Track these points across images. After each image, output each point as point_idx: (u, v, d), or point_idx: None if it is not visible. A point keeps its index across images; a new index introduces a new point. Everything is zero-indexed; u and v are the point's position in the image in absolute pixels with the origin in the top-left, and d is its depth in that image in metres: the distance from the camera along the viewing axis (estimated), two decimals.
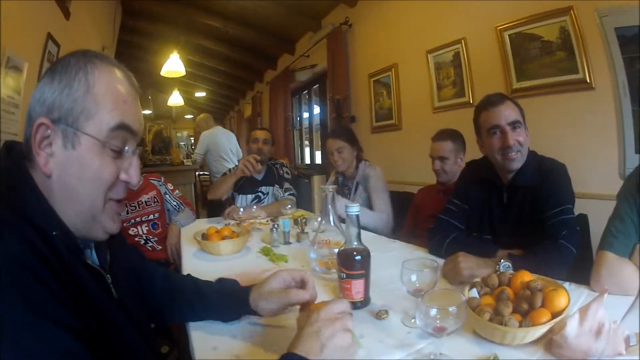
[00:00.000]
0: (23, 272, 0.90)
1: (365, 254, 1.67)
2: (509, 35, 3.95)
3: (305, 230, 3.00)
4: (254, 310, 1.52)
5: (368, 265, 1.67)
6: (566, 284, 1.64)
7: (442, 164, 3.45)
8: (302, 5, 7.64)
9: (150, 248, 3.56)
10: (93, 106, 1.10)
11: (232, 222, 3.56)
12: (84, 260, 1.16)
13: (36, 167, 1.10)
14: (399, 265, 1.50)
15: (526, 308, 1.32)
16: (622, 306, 1.48)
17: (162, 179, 3.94)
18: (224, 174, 4.42)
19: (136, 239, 3.52)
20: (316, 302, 1.36)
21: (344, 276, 1.65)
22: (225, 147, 7.90)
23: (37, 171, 1.10)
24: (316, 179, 7.68)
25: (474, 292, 1.48)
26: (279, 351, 1.10)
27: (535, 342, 1.27)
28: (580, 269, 1.95)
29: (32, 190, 1.09)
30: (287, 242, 2.91)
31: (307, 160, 10.43)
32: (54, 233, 1.04)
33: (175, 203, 3.84)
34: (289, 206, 3.60)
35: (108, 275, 1.27)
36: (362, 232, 1.81)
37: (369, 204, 3.75)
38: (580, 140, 3.49)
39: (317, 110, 9.54)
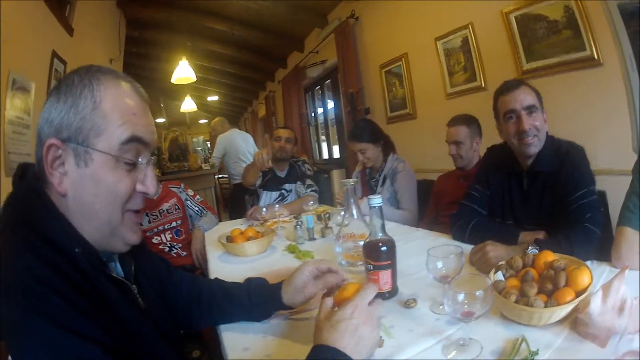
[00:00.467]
0: (47, 292, 0.92)
1: (391, 245, 1.68)
2: (515, 17, 3.93)
3: (329, 225, 3.01)
4: (287, 305, 1.54)
5: (394, 255, 1.69)
6: (588, 262, 1.64)
7: (458, 148, 3.44)
8: (306, 3, 7.63)
9: (175, 255, 3.57)
10: (102, 122, 1.10)
11: (256, 222, 3.58)
12: (109, 273, 1.17)
13: (51, 187, 1.11)
14: (423, 254, 1.51)
15: (551, 288, 1.34)
16: None
17: (182, 185, 3.95)
18: None
19: (160, 247, 3.53)
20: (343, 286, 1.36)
21: (371, 268, 1.67)
22: (242, 148, 7.89)
23: (53, 191, 1.12)
24: (335, 174, 7.69)
25: (500, 275, 1.50)
26: (310, 345, 1.13)
27: (561, 321, 1.28)
28: (601, 245, 1.95)
29: (49, 210, 1.10)
30: (311, 238, 2.93)
31: (325, 155, 10.40)
32: (77, 250, 1.06)
33: (197, 208, 3.86)
34: (311, 202, 3.62)
35: (134, 286, 1.29)
36: (386, 222, 1.81)
37: (395, 199, 3.75)
38: (593, 117, 3.47)
39: (331, 104, 9.53)
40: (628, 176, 1.86)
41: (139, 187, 1.19)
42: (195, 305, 1.66)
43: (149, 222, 3.50)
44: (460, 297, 1.16)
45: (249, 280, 1.69)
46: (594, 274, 1.37)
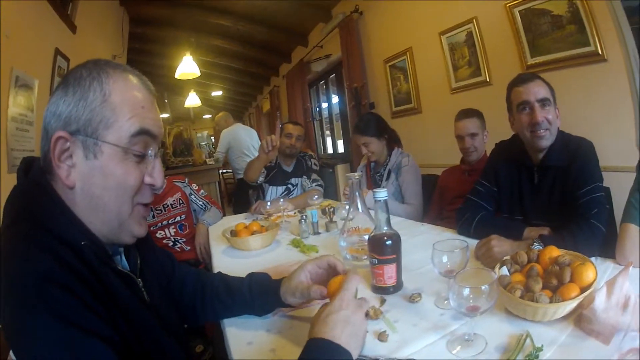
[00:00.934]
0: (52, 286, 0.92)
1: (396, 239, 1.68)
2: (519, 11, 3.92)
3: (334, 219, 3.01)
4: (286, 303, 1.53)
5: (399, 250, 1.69)
6: (592, 258, 1.63)
7: (473, 140, 3.43)
8: None
9: (179, 249, 3.58)
10: (111, 115, 1.10)
11: (260, 216, 3.59)
12: (115, 267, 1.17)
13: (57, 181, 1.11)
14: (428, 248, 1.51)
15: (555, 283, 1.34)
16: None
17: (186, 180, 3.95)
18: None
19: (164, 241, 3.55)
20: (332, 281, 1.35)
21: (376, 262, 1.67)
22: (246, 143, 7.90)
23: (59, 184, 1.12)
24: (340, 168, 7.69)
25: (504, 270, 1.49)
26: None
27: (566, 317, 1.28)
28: (606, 242, 1.95)
29: (56, 203, 1.10)
30: (316, 233, 2.93)
31: (330, 150, 10.41)
32: (83, 243, 1.06)
33: (201, 203, 3.86)
34: (316, 197, 3.60)
35: (139, 280, 1.29)
36: (391, 216, 1.81)
37: (400, 194, 3.74)
38: (597, 113, 3.46)
39: (335, 99, 9.50)
40: (632, 173, 1.86)
41: (147, 180, 1.20)
42: (199, 300, 1.66)
43: (153, 217, 3.50)
44: (466, 291, 1.16)
45: (251, 275, 1.69)
46: (598, 271, 1.37)
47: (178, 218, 3.64)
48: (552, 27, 3.66)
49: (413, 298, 1.60)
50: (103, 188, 1.12)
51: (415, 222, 3.10)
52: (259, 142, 7.85)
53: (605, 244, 1.92)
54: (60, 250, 1.00)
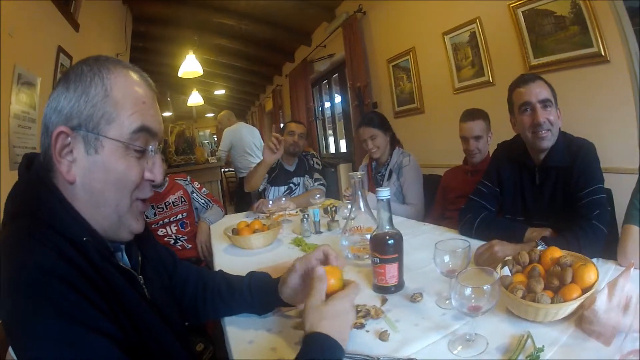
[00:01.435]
0: (54, 282, 0.92)
1: (398, 238, 1.67)
2: (522, 12, 3.92)
3: (336, 219, 3.01)
4: (285, 301, 1.53)
5: (401, 249, 1.69)
6: (594, 259, 1.63)
7: (477, 143, 3.42)
8: None
9: (180, 247, 3.57)
10: (113, 110, 1.11)
11: (262, 215, 3.59)
12: (116, 263, 1.18)
13: (58, 176, 1.12)
14: (430, 248, 1.51)
15: (557, 284, 1.34)
16: None
17: (188, 178, 3.95)
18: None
19: (165, 239, 3.54)
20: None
21: (378, 261, 1.67)
22: (249, 142, 7.90)
23: (60, 180, 1.12)
24: (342, 167, 7.70)
25: (506, 271, 1.50)
26: None
27: (567, 318, 1.28)
28: (607, 243, 1.96)
29: (57, 199, 1.10)
30: (318, 232, 2.93)
31: (332, 150, 10.42)
32: (84, 239, 1.06)
33: (203, 201, 3.87)
34: (318, 196, 3.60)
35: (140, 277, 1.30)
36: (393, 216, 1.80)
37: (401, 194, 3.74)
38: (599, 114, 3.46)
39: (338, 99, 9.53)
40: (634, 174, 1.86)
41: (147, 175, 1.20)
42: (200, 298, 1.66)
43: (155, 215, 3.50)
44: (468, 291, 1.16)
45: (251, 274, 1.69)
46: (599, 272, 1.37)
47: (180, 216, 3.64)
48: (556, 28, 3.66)
49: (414, 298, 1.60)
50: (104, 183, 1.12)
51: (417, 221, 3.10)
52: (262, 141, 7.89)
53: (607, 245, 1.93)
54: (63, 245, 1.00)
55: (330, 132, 10.49)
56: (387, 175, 3.81)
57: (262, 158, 3.89)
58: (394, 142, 3.93)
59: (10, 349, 1.39)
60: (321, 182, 4.34)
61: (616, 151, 3.22)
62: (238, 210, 5.73)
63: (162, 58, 11.93)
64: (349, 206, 2.27)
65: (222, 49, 10.94)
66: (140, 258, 1.36)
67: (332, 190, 5.06)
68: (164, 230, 3.55)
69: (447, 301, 1.48)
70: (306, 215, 2.92)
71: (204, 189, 3.98)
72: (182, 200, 3.70)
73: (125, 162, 1.13)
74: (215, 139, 19.79)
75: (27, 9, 3.75)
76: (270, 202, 3.52)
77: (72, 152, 1.10)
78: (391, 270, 1.66)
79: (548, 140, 2.26)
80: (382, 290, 1.70)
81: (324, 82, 10.07)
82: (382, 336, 1.33)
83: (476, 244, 1.99)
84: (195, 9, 8.24)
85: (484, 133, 3.41)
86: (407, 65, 6.05)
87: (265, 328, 1.55)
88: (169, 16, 8.70)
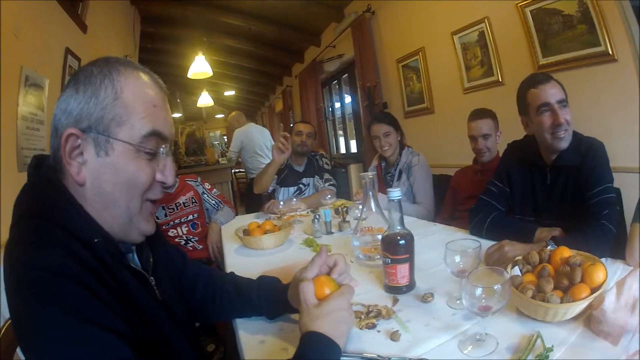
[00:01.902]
0: (64, 280, 0.93)
1: (409, 238, 1.68)
2: (530, 11, 3.92)
3: (347, 219, 3.01)
4: (295, 307, 1.47)
5: (412, 249, 1.69)
6: (603, 259, 1.63)
7: (485, 141, 3.42)
8: None
9: (191, 248, 3.58)
10: (124, 112, 1.11)
11: (273, 216, 3.60)
12: (127, 264, 1.19)
13: (68, 178, 1.12)
14: (441, 248, 1.52)
15: (566, 284, 1.34)
16: None
17: (199, 179, 3.96)
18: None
19: (176, 239, 3.54)
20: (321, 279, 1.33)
21: (389, 261, 1.67)
22: (259, 142, 7.89)
23: (70, 181, 1.12)
24: (353, 168, 7.69)
25: (516, 271, 1.50)
26: None
27: (576, 318, 1.29)
28: (616, 242, 1.96)
29: (68, 200, 1.10)
30: (329, 232, 2.94)
31: (343, 150, 10.40)
32: (96, 240, 1.07)
33: (213, 202, 3.87)
34: (329, 196, 3.60)
35: (152, 278, 1.31)
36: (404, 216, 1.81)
37: (411, 193, 3.75)
38: (607, 113, 3.46)
39: (348, 99, 9.52)
40: None
41: (159, 177, 1.20)
42: (210, 299, 1.67)
43: (166, 216, 3.51)
44: (478, 291, 1.17)
45: (260, 280, 1.69)
46: (608, 272, 1.37)
47: (190, 217, 3.65)
48: (563, 27, 3.66)
49: (425, 298, 1.61)
50: (114, 184, 1.13)
51: (428, 221, 3.10)
52: (272, 142, 7.87)
53: (616, 245, 1.93)
54: (73, 245, 1.01)
55: (340, 132, 10.47)
56: (396, 175, 3.82)
57: (272, 158, 3.90)
58: (403, 143, 3.93)
59: (18, 349, 1.43)
60: (331, 182, 4.35)
61: (624, 150, 3.22)
62: (249, 211, 5.72)
63: (171, 59, 11.97)
64: (360, 206, 2.27)
65: (231, 50, 10.94)
66: (151, 259, 1.37)
67: (343, 191, 5.06)
68: (175, 231, 3.56)
69: (458, 301, 1.49)
70: (317, 216, 2.92)
71: (214, 189, 3.99)
72: (193, 201, 3.70)
73: (136, 164, 1.14)
74: (226, 139, 19.81)
75: (33, 10, 3.78)
76: (281, 203, 3.53)
77: (82, 154, 1.10)
78: (402, 270, 1.67)
79: (566, 140, 2.25)
80: (394, 290, 1.71)
81: (334, 82, 10.07)
82: (393, 336, 1.34)
83: (486, 244, 2.00)
84: (203, 9, 8.26)
85: (492, 132, 3.41)
86: (416, 65, 6.05)
87: (277, 328, 1.56)
88: (177, 17, 8.72)
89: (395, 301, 1.63)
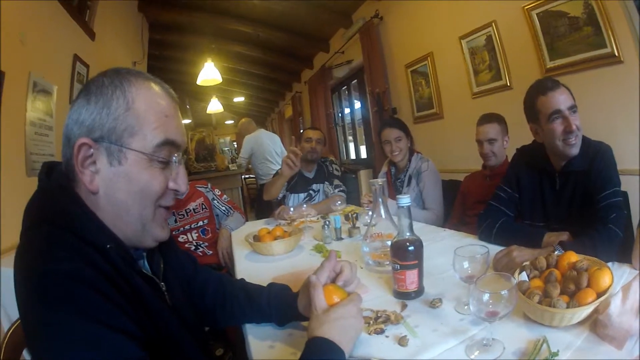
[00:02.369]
0: (78, 285, 0.94)
1: (418, 244, 1.69)
2: (536, 14, 3.93)
3: (357, 225, 3.02)
4: (304, 315, 1.48)
5: (421, 255, 1.70)
6: (609, 263, 1.63)
7: (491, 146, 3.43)
8: (329, 3, 7.62)
9: (201, 253, 3.59)
10: (136, 123, 1.12)
11: (283, 222, 3.61)
12: (139, 269, 1.21)
13: (81, 186, 1.14)
14: (450, 254, 1.53)
15: (573, 289, 1.35)
16: None
17: (209, 185, 3.97)
18: (276, 173, 4.42)
19: (186, 245, 3.56)
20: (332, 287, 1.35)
21: (398, 267, 1.68)
22: (269, 149, 7.92)
23: (82, 189, 1.14)
24: (362, 174, 7.69)
25: (524, 276, 1.51)
26: None
27: (582, 323, 1.29)
28: (622, 246, 1.95)
29: (80, 208, 1.12)
30: (339, 238, 2.94)
31: (353, 156, 10.39)
32: (108, 246, 1.09)
33: (224, 208, 3.88)
34: (339, 202, 3.60)
35: (162, 283, 1.33)
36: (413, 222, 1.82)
37: (421, 199, 3.75)
38: (613, 115, 3.46)
39: (357, 105, 9.53)
40: None
41: (171, 185, 1.22)
42: (220, 305, 1.68)
43: (176, 222, 3.53)
44: (485, 296, 1.18)
45: (270, 287, 1.69)
46: (614, 276, 1.38)
47: (200, 223, 3.67)
48: (570, 29, 3.67)
49: (434, 303, 1.61)
50: (127, 193, 1.14)
51: (437, 227, 3.10)
52: (282, 148, 7.90)
53: (623, 248, 1.92)
54: (86, 250, 1.02)
55: (350, 138, 10.46)
56: (406, 181, 3.83)
57: (281, 172, 3.90)
58: (412, 148, 3.93)
59: (24, 352, 1.45)
60: (341, 188, 4.35)
61: (630, 152, 3.22)
62: (259, 217, 5.74)
63: (180, 65, 12.03)
64: (370, 212, 2.28)
65: (240, 56, 10.98)
66: (162, 265, 1.39)
67: (353, 197, 5.06)
68: (185, 237, 3.58)
69: (466, 307, 1.50)
70: (327, 222, 2.93)
71: (224, 196, 4.00)
72: (203, 207, 3.72)
73: (149, 172, 1.15)
74: (235, 145, 19.85)
75: (41, 17, 3.84)
76: (292, 209, 3.54)
77: (95, 163, 1.12)
78: (411, 276, 1.68)
79: (577, 146, 2.25)
80: (402, 296, 1.72)
81: (343, 88, 10.07)
82: (402, 341, 1.35)
83: (494, 249, 1.99)
84: (211, 16, 8.30)
85: (498, 136, 3.42)
86: (425, 70, 6.06)
87: (286, 333, 1.57)
88: (185, 24, 8.79)
89: (404, 306, 1.64)
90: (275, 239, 2.76)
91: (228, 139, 22.03)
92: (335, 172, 4.48)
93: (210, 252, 3.65)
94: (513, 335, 1.30)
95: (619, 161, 2.25)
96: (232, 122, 20.60)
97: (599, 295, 1.29)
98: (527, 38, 4.11)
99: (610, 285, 1.32)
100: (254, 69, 12.21)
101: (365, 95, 8.21)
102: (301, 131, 5.40)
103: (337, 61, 8.95)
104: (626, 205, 2.44)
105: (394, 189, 3.95)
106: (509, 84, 4.55)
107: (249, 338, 1.58)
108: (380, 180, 2.19)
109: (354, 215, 3.08)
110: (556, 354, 1.14)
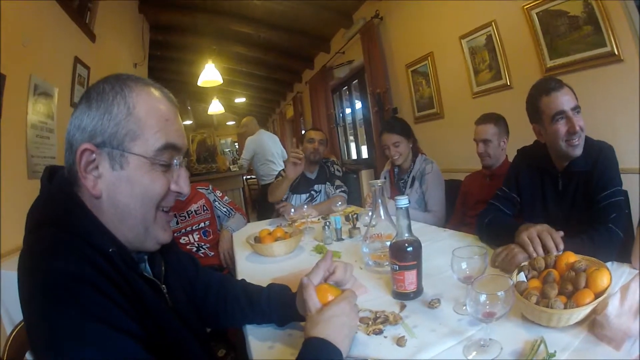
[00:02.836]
0: (81, 286, 0.95)
1: (417, 245, 1.69)
2: (536, 13, 3.93)
3: (357, 226, 3.02)
4: (303, 315, 1.47)
5: (419, 256, 1.70)
6: (608, 263, 1.64)
7: (486, 146, 3.44)
8: (329, 3, 7.62)
9: (202, 255, 3.60)
10: (137, 128, 1.14)
11: (284, 222, 3.63)
12: (141, 272, 1.22)
13: (84, 191, 1.15)
14: (449, 254, 1.53)
15: (571, 289, 1.35)
16: None
17: (210, 186, 3.98)
18: (278, 174, 4.47)
19: (188, 247, 3.57)
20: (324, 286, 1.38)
21: (397, 268, 1.69)
22: (271, 149, 7.94)
23: (85, 193, 1.15)
24: (364, 174, 7.69)
25: (522, 277, 1.51)
26: None
27: (579, 323, 1.29)
28: (622, 246, 1.95)
29: (84, 212, 1.13)
30: (339, 239, 2.95)
31: (354, 156, 10.39)
32: (110, 250, 1.10)
33: (225, 209, 3.89)
34: (340, 203, 3.59)
35: (164, 286, 1.34)
36: (413, 222, 1.83)
37: (423, 201, 3.74)
38: (614, 114, 3.45)
39: (358, 105, 9.53)
40: None
41: (173, 187, 1.23)
42: (221, 306, 1.69)
43: (177, 223, 3.54)
44: (482, 297, 1.18)
45: (270, 287, 1.71)
46: (613, 276, 1.38)
47: (202, 224, 3.67)
48: (570, 28, 3.67)
49: (432, 304, 1.61)
50: (130, 196, 1.16)
51: (437, 227, 3.09)
52: (283, 148, 7.90)
53: (623, 248, 1.91)
54: (89, 252, 1.03)
55: (351, 138, 10.46)
56: (409, 182, 3.82)
57: (283, 165, 3.89)
58: (416, 149, 3.93)
59: (27, 354, 1.46)
60: (342, 189, 4.35)
61: (630, 151, 3.21)
62: (260, 218, 5.75)
63: (181, 66, 12.04)
64: (370, 213, 2.29)
65: (241, 57, 10.98)
66: (163, 268, 1.40)
67: (355, 197, 5.05)
68: (186, 239, 3.59)
69: (464, 307, 1.49)
70: (328, 223, 2.94)
71: (226, 197, 4.00)
72: (205, 208, 3.73)
73: (151, 176, 1.17)
74: (237, 146, 19.84)
75: (41, 20, 3.85)
76: (293, 210, 3.54)
77: (98, 168, 1.13)
78: (410, 277, 1.68)
79: (580, 147, 2.23)
80: (401, 296, 1.72)
81: (344, 88, 10.07)
82: (400, 342, 1.35)
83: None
84: (212, 17, 8.31)
85: (493, 137, 3.42)
86: (425, 70, 6.06)
87: (285, 334, 1.58)
88: (185, 24, 8.80)
89: (403, 307, 1.65)
90: (276, 240, 2.76)
91: (229, 139, 22.00)
92: (337, 173, 4.47)
93: (212, 253, 3.66)
94: (511, 336, 1.30)
95: (619, 160, 2.25)
96: (233, 123, 20.58)
97: (597, 296, 1.29)
98: (527, 37, 4.11)
99: (608, 286, 1.32)
100: (255, 70, 12.22)
101: (366, 95, 8.21)
102: (303, 132, 5.40)
103: (337, 61, 8.96)
104: (626, 204, 2.43)
105: (397, 189, 3.95)
106: (509, 84, 4.55)
107: (249, 339, 1.59)
108: (379, 181, 2.20)
109: (355, 216, 3.08)
110: (553, 354, 1.14)
